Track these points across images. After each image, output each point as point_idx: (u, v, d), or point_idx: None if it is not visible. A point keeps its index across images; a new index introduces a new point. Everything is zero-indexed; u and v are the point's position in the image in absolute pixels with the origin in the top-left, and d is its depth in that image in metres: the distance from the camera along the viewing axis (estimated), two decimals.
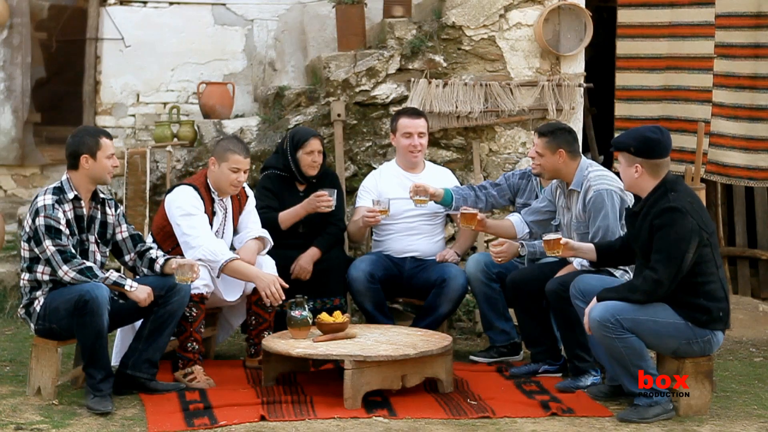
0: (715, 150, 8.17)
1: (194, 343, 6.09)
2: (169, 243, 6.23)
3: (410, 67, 7.99)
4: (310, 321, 6.00)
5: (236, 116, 8.51)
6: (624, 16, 8.34)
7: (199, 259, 6.03)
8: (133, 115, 9.03)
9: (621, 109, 8.38)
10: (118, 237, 5.94)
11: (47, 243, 5.55)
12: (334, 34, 8.41)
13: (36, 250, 5.62)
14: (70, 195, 5.70)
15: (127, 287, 5.64)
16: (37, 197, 5.68)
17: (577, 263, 6.04)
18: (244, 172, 6.24)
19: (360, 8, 8.24)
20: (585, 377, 5.97)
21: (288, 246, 6.64)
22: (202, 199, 6.19)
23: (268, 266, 6.37)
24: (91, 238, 5.79)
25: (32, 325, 5.73)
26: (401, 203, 6.72)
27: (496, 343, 6.66)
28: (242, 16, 9.09)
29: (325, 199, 6.53)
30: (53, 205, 5.61)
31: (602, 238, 5.94)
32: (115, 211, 5.92)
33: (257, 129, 8.03)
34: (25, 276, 5.73)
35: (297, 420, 5.36)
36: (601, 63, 8.96)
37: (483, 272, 6.53)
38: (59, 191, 5.70)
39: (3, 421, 5.27)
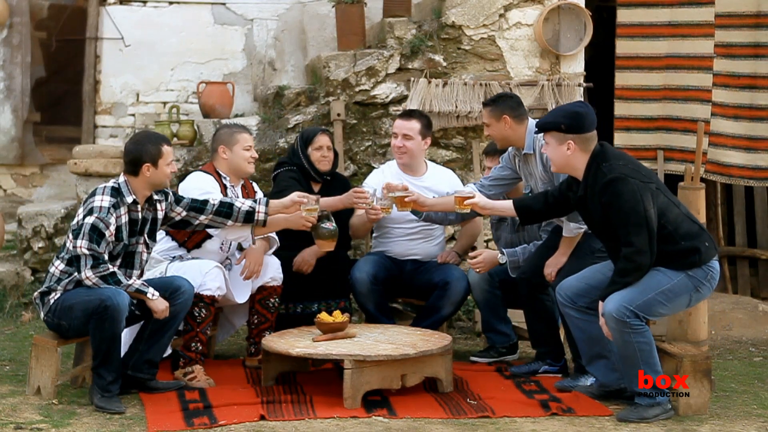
0: (714, 149, 8.17)
1: (198, 344, 6.09)
2: (183, 233, 6.24)
3: (410, 66, 7.99)
4: (337, 232, 6.10)
5: (236, 116, 8.51)
6: (623, 15, 8.34)
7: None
8: (133, 115, 9.04)
9: (621, 108, 8.38)
10: (177, 218, 5.92)
11: (83, 242, 5.50)
12: (334, 33, 8.42)
13: (71, 243, 5.59)
14: (129, 199, 5.67)
15: (149, 295, 5.61)
16: (94, 194, 5.63)
17: (568, 231, 6.02)
18: (253, 148, 6.40)
19: (360, 8, 8.25)
20: (586, 377, 5.96)
21: (295, 248, 6.63)
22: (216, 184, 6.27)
23: (273, 267, 6.39)
24: (141, 239, 5.77)
25: (42, 314, 5.72)
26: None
27: (495, 344, 6.66)
28: (242, 15, 9.10)
29: (363, 197, 6.48)
30: (109, 208, 5.57)
31: None
32: (166, 202, 5.87)
33: (257, 128, 8.03)
34: (60, 266, 5.67)
35: (297, 419, 5.36)
36: (601, 63, 8.96)
37: (486, 281, 6.52)
38: (117, 193, 5.65)
39: (3, 421, 5.27)
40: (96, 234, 5.52)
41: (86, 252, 5.50)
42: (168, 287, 5.76)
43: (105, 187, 5.68)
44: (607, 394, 5.75)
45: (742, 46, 8.11)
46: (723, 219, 8.97)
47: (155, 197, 5.81)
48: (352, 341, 5.88)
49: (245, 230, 6.03)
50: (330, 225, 6.09)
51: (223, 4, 9.11)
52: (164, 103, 9.00)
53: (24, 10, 8.87)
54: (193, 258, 6.26)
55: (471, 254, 6.50)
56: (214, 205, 5.94)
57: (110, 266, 5.55)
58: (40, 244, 7.89)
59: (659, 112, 8.33)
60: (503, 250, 6.40)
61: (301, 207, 6.00)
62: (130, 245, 5.71)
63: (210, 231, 6.16)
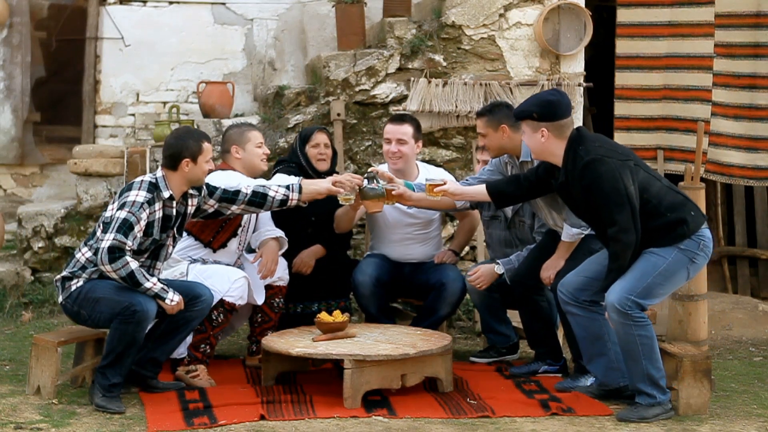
0: (714, 149, 8.17)
1: (207, 347, 6.11)
2: (208, 233, 6.24)
3: (410, 66, 7.99)
4: (384, 193, 6.08)
5: (236, 115, 8.51)
6: (623, 15, 8.34)
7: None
8: (133, 115, 9.04)
9: (621, 108, 8.38)
10: (210, 210, 5.93)
11: (110, 236, 5.47)
12: (334, 33, 8.42)
13: (100, 235, 5.57)
14: (165, 194, 5.66)
15: (167, 301, 5.58)
16: (131, 188, 5.62)
17: (567, 236, 6.01)
18: (264, 145, 6.45)
19: (360, 7, 8.25)
20: (586, 377, 5.96)
21: (295, 247, 6.63)
22: None
23: (281, 267, 6.41)
24: (170, 233, 5.76)
25: (60, 297, 5.69)
26: (396, 214, 6.67)
27: (495, 344, 6.66)
28: (242, 15, 9.10)
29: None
30: (143, 204, 5.56)
31: None
32: (199, 197, 5.85)
33: None
34: (87, 253, 5.65)
35: (297, 419, 5.36)
36: (601, 62, 8.96)
37: None
38: (154, 188, 5.64)
39: (3, 421, 5.27)
40: (126, 227, 5.50)
41: (108, 244, 5.45)
42: (189, 293, 5.72)
43: (143, 181, 5.66)
44: (607, 393, 5.75)
45: (742, 45, 8.11)
46: (723, 219, 8.97)
47: (190, 192, 5.81)
48: (352, 341, 5.88)
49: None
50: (375, 185, 6.07)
51: (223, 3, 9.11)
52: (164, 103, 9.00)
53: (24, 10, 8.87)
54: (215, 261, 6.26)
55: (468, 273, 6.48)
56: (246, 194, 5.95)
57: (130, 261, 5.48)
58: (40, 244, 7.89)
59: (659, 112, 8.33)
60: (498, 261, 6.39)
61: (338, 197, 6.07)
62: (161, 240, 5.71)
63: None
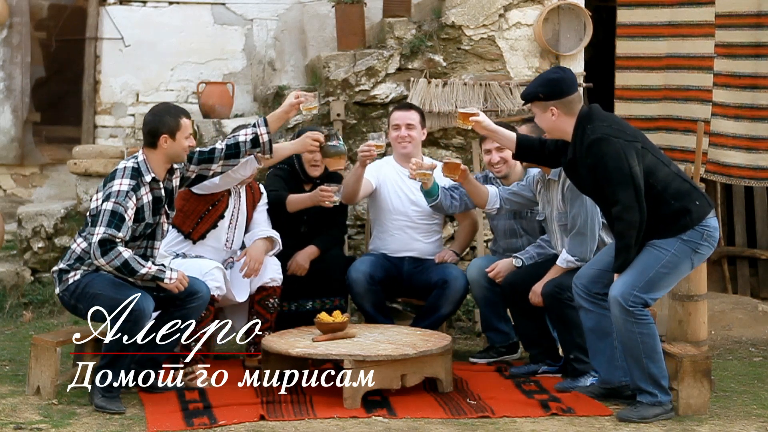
0: (715, 149, 8.17)
1: (199, 344, 6.10)
2: (189, 224, 6.25)
3: (410, 66, 8.00)
4: (345, 150, 6.11)
5: (236, 116, 8.52)
6: (623, 15, 8.34)
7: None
8: (133, 115, 9.04)
9: (621, 109, 8.38)
10: (192, 176, 5.87)
11: (100, 230, 5.42)
12: (334, 33, 8.43)
13: (89, 228, 5.52)
14: (148, 178, 5.62)
15: (166, 280, 5.54)
16: (114, 177, 5.57)
17: (562, 261, 6.02)
18: None
19: (360, 8, 8.25)
20: (584, 378, 5.96)
21: (289, 246, 6.63)
22: None
23: (273, 267, 6.41)
24: (162, 211, 5.72)
25: (57, 289, 5.67)
26: (397, 201, 6.72)
27: (495, 344, 6.66)
28: (242, 15, 9.11)
29: (326, 195, 6.48)
30: (128, 192, 5.51)
31: (580, 226, 5.91)
32: (180, 168, 5.79)
33: None
34: (82, 244, 5.61)
35: (297, 419, 5.36)
36: (601, 63, 8.96)
37: (485, 277, 6.50)
38: (137, 174, 5.59)
39: (2, 421, 5.27)
40: (117, 219, 5.46)
41: (99, 237, 5.42)
42: (186, 289, 5.71)
43: (126, 168, 5.60)
44: (608, 392, 5.74)
45: (743, 46, 8.11)
46: (723, 219, 8.96)
47: (173, 166, 5.78)
48: (352, 341, 5.88)
49: (251, 159, 6.01)
50: (337, 142, 6.06)
51: (223, 4, 9.12)
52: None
53: (24, 10, 8.88)
54: (197, 256, 6.26)
55: (487, 270, 6.46)
56: (222, 149, 5.86)
57: (122, 251, 5.44)
58: (40, 244, 7.89)
59: (659, 112, 8.33)
60: (516, 255, 6.40)
61: (300, 107, 5.97)
62: (154, 222, 5.67)
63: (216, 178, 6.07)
